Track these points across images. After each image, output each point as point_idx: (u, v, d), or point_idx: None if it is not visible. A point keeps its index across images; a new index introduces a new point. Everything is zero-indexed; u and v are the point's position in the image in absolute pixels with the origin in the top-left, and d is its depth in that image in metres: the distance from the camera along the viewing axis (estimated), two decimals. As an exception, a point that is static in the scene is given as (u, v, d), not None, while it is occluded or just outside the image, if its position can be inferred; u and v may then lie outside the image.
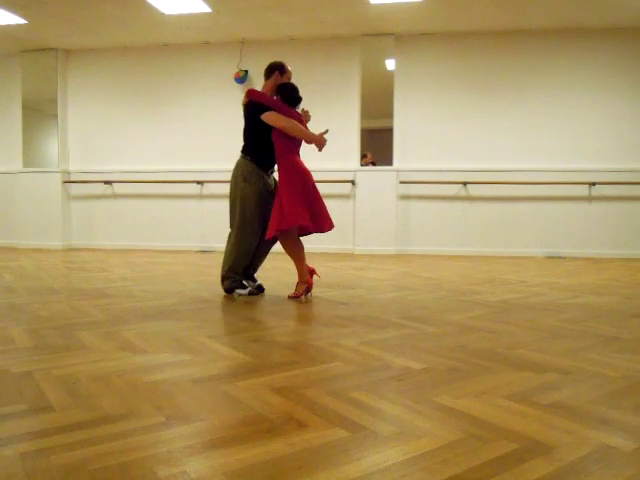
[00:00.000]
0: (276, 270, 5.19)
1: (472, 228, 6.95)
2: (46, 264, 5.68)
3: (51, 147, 7.72)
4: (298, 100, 3.70)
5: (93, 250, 7.49)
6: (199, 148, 7.41)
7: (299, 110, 3.77)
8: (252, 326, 2.76)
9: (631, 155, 6.68)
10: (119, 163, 7.66)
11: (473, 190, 6.94)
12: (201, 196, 7.41)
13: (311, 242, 7.24)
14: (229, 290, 3.77)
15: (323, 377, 1.93)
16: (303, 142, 3.71)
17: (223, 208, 7.68)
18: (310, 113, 3.83)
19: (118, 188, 7.67)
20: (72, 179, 7.73)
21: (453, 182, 6.90)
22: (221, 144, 7.25)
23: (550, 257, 6.71)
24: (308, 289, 3.66)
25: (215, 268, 5.39)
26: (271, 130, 3.58)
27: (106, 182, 7.62)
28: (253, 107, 3.64)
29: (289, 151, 3.63)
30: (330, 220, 3.68)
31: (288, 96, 3.66)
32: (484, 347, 2.35)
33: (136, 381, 1.88)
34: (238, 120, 7.64)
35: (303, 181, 3.58)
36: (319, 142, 3.70)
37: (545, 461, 1.29)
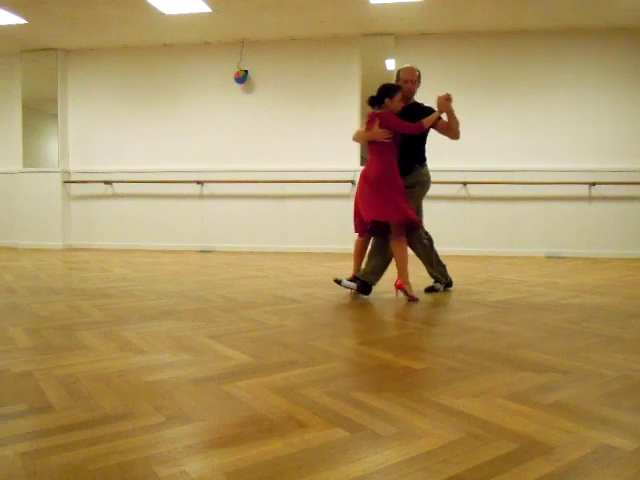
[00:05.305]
0: (276, 270, 5.19)
1: (472, 228, 6.95)
2: (46, 264, 5.68)
3: (51, 147, 7.72)
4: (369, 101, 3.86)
5: (93, 250, 7.49)
6: (199, 148, 7.40)
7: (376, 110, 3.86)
8: (252, 326, 2.76)
9: (631, 155, 6.68)
10: (119, 163, 7.66)
11: (473, 190, 6.94)
12: (201, 196, 7.40)
13: (312, 242, 7.32)
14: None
15: (323, 377, 1.93)
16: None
17: (223, 208, 7.80)
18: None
19: (118, 188, 7.67)
20: (72, 179, 7.72)
21: (453, 182, 6.90)
22: (221, 144, 7.21)
23: (550, 257, 6.71)
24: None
25: (215, 268, 5.39)
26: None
27: (106, 182, 7.62)
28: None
29: None
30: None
31: None
32: (484, 347, 2.35)
33: (136, 381, 1.88)
34: (238, 120, 7.74)
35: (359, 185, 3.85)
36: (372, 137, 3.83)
37: (545, 461, 1.29)
